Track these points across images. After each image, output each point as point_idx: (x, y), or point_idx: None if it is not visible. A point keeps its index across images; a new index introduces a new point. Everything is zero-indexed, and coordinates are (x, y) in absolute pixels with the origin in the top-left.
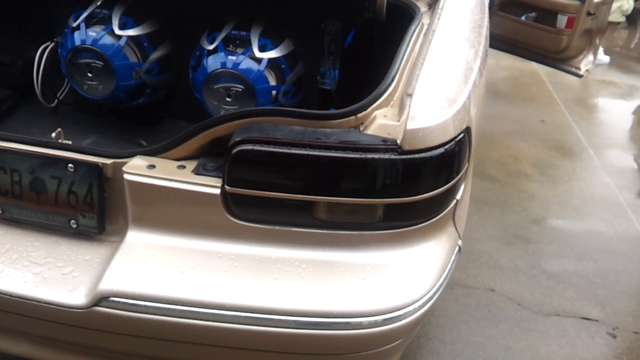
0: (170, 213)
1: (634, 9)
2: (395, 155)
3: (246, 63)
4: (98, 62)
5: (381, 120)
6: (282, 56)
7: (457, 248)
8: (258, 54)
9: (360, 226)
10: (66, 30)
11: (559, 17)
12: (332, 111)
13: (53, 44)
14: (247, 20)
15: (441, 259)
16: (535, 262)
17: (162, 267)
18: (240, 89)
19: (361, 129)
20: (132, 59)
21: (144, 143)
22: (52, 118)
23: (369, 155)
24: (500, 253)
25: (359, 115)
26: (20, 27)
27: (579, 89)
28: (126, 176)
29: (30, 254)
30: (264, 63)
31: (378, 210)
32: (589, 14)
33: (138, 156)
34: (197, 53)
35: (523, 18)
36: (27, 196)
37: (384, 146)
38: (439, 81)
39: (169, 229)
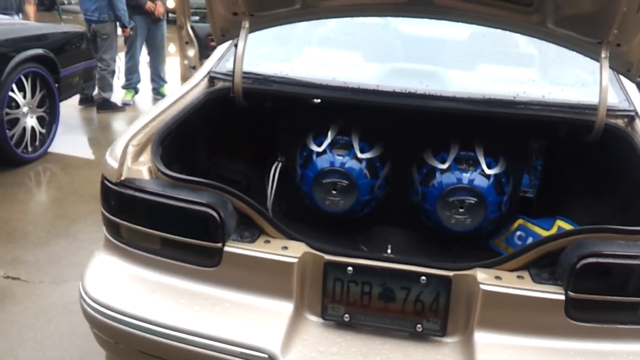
0: (513, 316)
1: None
2: None
3: (479, 180)
4: (344, 181)
5: None
6: (503, 172)
7: None
8: (487, 170)
9: None
10: (305, 152)
11: None
12: None
13: (280, 163)
14: (469, 142)
15: None
16: None
17: None
18: (473, 201)
19: None
20: (369, 177)
21: (364, 248)
22: None
23: None
24: None
25: None
26: (246, 153)
27: None
28: (482, 286)
29: (389, 356)
30: (491, 179)
31: None
32: None
33: (477, 269)
34: (425, 170)
35: None
36: (375, 305)
37: None
38: None
39: (511, 329)
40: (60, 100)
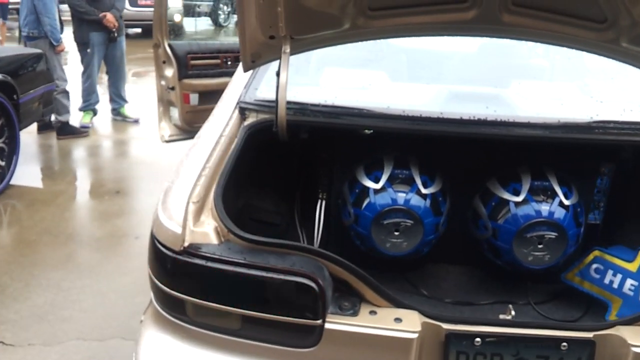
0: None
1: None
2: None
3: (559, 212)
4: (408, 221)
5: None
6: (577, 202)
7: None
8: (565, 201)
9: None
10: (357, 189)
11: None
12: None
13: (324, 201)
14: (540, 170)
15: None
16: None
17: None
18: (553, 236)
19: None
20: (434, 214)
21: (426, 293)
22: None
23: None
24: None
25: None
26: (281, 191)
27: None
28: (634, 348)
29: None
30: (570, 210)
31: None
32: None
33: (620, 327)
34: (493, 203)
35: None
36: None
37: None
38: None
39: None
40: (20, 129)
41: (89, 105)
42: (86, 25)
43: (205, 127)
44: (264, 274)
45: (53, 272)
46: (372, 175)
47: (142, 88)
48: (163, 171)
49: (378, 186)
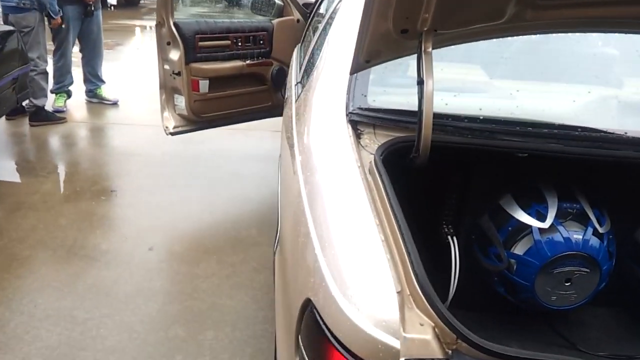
0: None
1: None
2: None
3: None
4: (584, 269)
5: None
6: None
7: None
8: None
9: None
10: (509, 227)
11: None
12: None
13: (454, 238)
14: None
15: None
16: None
17: None
18: None
19: None
20: (609, 258)
21: (582, 348)
22: None
23: None
24: None
25: None
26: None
27: None
28: None
29: None
30: None
31: None
32: None
33: None
34: None
35: None
36: None
37: None
38: None
39: None
40: None
41: (62, 86)
42: None
43: (313, 149)
44: None
45: (61, 300)
46: (530, 208)
47: (115, 65)
48: (157, 165)
49: (545, 225)
